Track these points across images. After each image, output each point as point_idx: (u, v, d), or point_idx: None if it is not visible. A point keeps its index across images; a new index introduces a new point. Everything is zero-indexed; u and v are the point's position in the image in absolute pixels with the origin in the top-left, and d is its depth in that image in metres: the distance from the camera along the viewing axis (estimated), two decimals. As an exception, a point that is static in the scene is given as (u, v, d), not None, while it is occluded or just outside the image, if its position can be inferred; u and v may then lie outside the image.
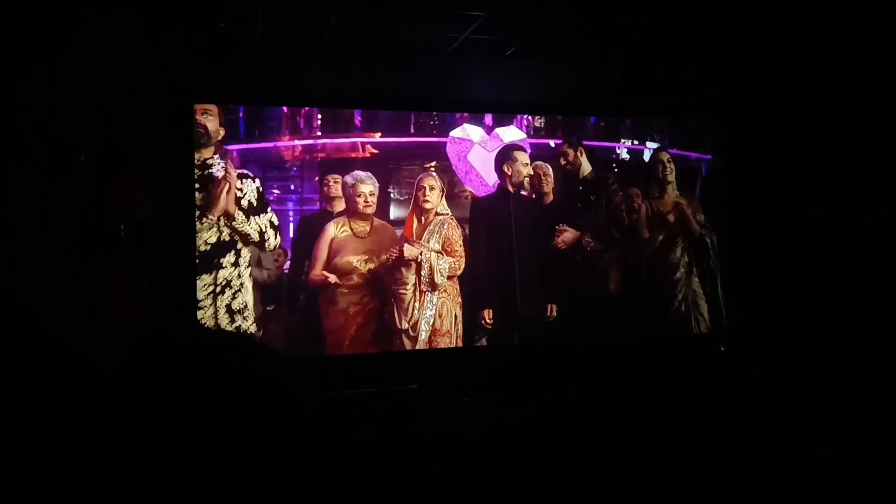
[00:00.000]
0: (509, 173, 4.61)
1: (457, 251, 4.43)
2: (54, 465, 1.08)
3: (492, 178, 4.63)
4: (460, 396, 3.90)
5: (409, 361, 4.12)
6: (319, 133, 4.41)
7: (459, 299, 4.34)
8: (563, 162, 4.65)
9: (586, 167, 4.69)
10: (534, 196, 4.62)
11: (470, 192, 4.58)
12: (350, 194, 4.28)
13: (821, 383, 2.42)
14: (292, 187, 4.37)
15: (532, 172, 4.65)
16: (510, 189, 4.61)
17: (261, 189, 4.12)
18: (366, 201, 4.26)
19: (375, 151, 4.44)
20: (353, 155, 4.43)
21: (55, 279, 3.19)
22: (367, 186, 4.27)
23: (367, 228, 4.30)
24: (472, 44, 4.11)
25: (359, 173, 4.30)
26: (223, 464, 0.85)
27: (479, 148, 4.66)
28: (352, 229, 4.29)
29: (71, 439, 1.09)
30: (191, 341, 0.97)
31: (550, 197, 4.67)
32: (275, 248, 4.13)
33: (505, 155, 4.66)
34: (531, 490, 1.76)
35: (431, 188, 4.43)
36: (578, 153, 4.68)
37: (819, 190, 4.26)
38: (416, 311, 4.27)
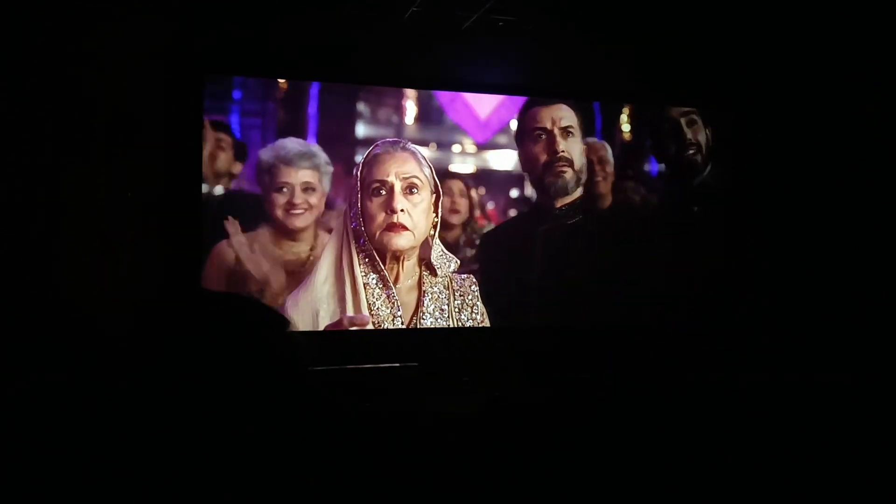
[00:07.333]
0: (545, 158, 2.98)
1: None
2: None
3: (485, 109, 3.40)
4: (460, 375, 3.92)
5: (409, 339, 4.14)
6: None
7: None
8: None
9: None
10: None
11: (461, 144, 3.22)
12: (267, 184, 2.41)
13: (827, 383, 2.43)
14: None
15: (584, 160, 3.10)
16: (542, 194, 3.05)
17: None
18: (293, 202, 2.40)
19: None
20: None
21: (65, 247, 3.22)
22: (304, 172, 2.40)
23: (302, 251, 2.44)
24: (485, 24, 4.05)
25: (289, 144, 2.43)
26: (235, 422, 0.88)
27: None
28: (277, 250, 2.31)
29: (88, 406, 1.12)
30: (202, 304, 0.98)
31: (608, 199, 3.29)
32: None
33: (534, 121, 3.01)
34: (528, 470, 1.78)
35: (412, 186, 2.54)
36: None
37: (823, 185, 4.25)
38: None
